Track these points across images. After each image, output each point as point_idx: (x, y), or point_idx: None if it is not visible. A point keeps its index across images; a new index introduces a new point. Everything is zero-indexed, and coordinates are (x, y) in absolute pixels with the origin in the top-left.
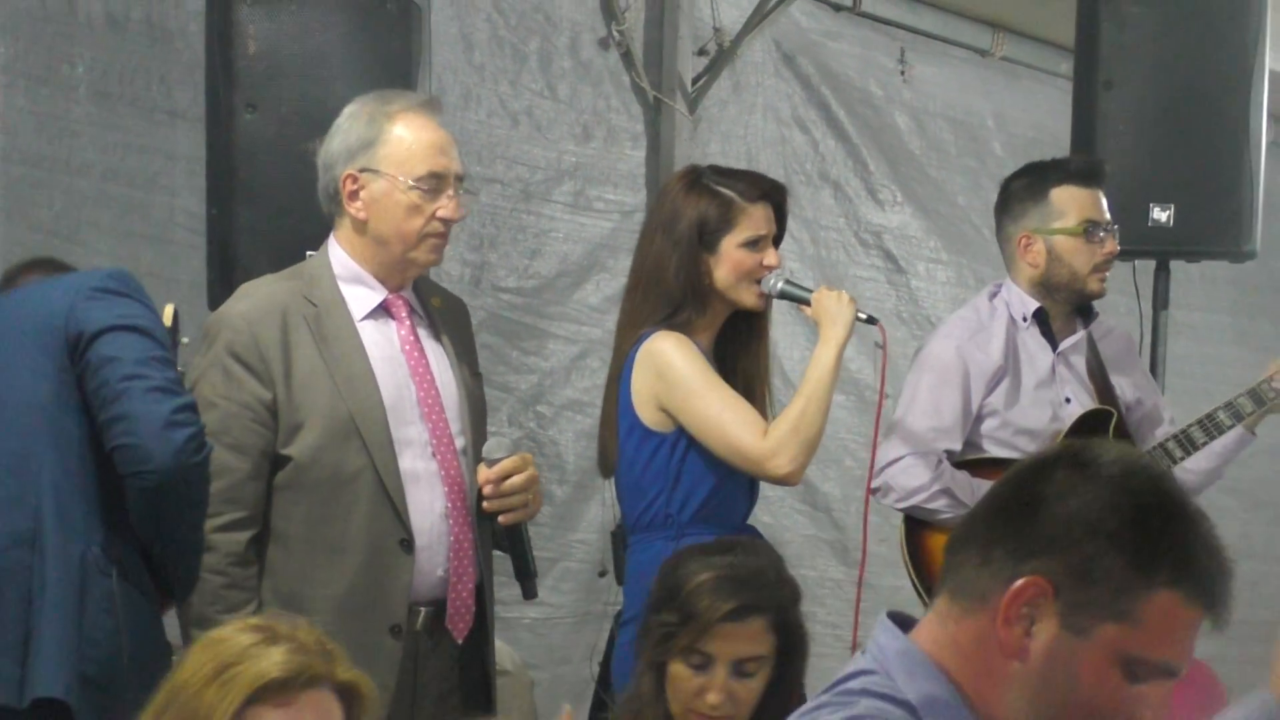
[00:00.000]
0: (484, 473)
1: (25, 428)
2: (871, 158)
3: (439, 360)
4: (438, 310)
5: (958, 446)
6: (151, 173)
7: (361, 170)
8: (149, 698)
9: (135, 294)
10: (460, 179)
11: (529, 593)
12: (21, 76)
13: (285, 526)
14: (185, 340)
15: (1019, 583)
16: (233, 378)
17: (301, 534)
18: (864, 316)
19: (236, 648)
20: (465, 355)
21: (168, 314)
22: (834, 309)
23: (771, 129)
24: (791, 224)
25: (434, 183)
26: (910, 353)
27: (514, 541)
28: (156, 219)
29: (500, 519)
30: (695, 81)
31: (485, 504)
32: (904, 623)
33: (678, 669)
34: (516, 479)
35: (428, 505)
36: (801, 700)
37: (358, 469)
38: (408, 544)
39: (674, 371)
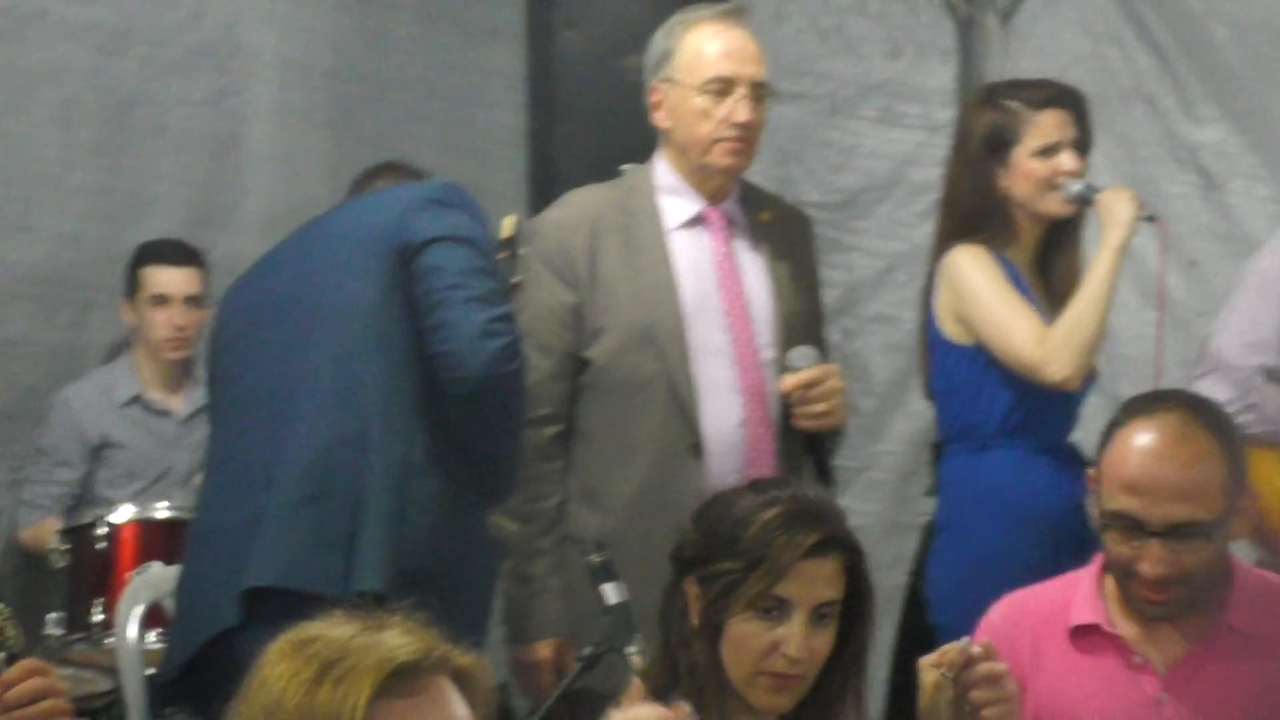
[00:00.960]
0: (785, 380)
1: (352, 331)
2: (1187, 72)
3: (755, 272)
4: (766, 224)
5: (1278, 361)
6: (472, 89)
7: (662, 81)
8: (469, 595)
9: (465, 207)
10: (759, 85)
11: None
12: None
13: (587, 425)
14: (524, 252)
15: None
16: (541, 282)
17: (600, 434)
18: (1146, 214)
19: (335, 644)
20: (794, 267)
21: (509, 223)
22: (1115, 209)
23: (1085, 44)
24: (1104, 141)
25: (721, 86)
26: (1225, 270)
27: (813, 450)
28: (475, 133)
29: (800, 424)
30: None
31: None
32: None
33: (744, 626)
34: (816, 390)
35: (723, 413)
36: (863, 668)
37: (652, 375)
38: (697, 449)
39: (965, 283)
